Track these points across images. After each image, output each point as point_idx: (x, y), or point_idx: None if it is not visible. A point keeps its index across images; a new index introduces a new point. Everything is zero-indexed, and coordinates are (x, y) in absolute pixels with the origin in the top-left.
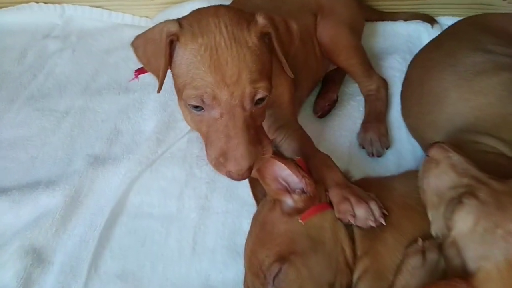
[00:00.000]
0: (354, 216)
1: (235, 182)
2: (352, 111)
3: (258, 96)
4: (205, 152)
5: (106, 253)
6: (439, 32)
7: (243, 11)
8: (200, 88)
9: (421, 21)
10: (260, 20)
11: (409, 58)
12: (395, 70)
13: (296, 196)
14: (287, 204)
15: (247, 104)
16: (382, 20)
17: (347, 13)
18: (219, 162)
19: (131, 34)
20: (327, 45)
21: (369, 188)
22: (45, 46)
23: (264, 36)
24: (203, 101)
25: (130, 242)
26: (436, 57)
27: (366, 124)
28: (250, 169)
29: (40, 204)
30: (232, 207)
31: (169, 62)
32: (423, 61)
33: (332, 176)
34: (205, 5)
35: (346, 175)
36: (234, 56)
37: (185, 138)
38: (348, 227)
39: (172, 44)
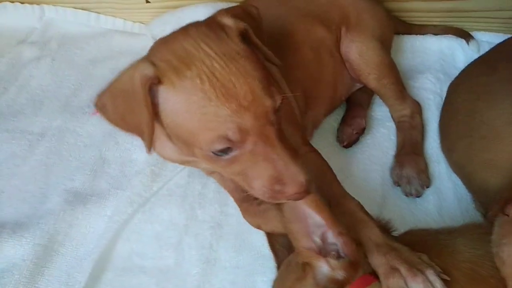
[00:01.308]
0: None
1: (246, 227)
2: (382, 140)
3: (278, 103)
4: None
5: None
6: (475, 50)
7: (207, 20)
8: (219, 127)
9: (454, 36)
10: (227, 20)
11: (443, 78)
12: (429, 92)
13: (333, 262)
14: (322, 272)
15: (272, 117)
16: (409, 33)
17: (377, 25)
18: (275, 191)
19: (123, 42)
20: (355, 62)
21: (422, 247)
22: (20, 53)
23: (243, 36)
24: (229, 140)
25: None
26: (491, 83)
27: (400, 157)
28: (310, 180)
29: (4, 254)
30: (243, 260)
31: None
32: (472, 86)
33: (368, 235)
34: (209, 9)
35: (386, 228)
36: (236, 73)
37: (185, 171)
38: None
39: (150, 90)
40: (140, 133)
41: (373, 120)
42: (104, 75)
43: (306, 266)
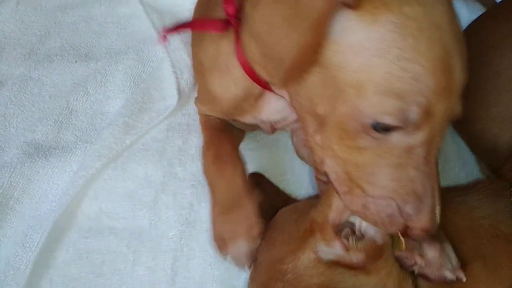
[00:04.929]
0: (422, 256)
1: None
2: None
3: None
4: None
5: (44, 286)
6: (480, 7)
7: None
8: (410, 94)
9: None
10: None
11: None
12: None
13: (350, 243)
14: (329, 251)
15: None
16: None
17: None
18: (401, 213)
19: None
20: None
21: None
22: None
23: None
24: (405, 119)
25: (81, 270)
26: (502, 32)
27: None
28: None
29: None
30: None
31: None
32: (483, 38)
33: None
34: None
35: None
36: (461, 47)
37: (163, 124)
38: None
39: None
40: (279, 60)
41: None
42: (75, 23)
43: (308, 235)
